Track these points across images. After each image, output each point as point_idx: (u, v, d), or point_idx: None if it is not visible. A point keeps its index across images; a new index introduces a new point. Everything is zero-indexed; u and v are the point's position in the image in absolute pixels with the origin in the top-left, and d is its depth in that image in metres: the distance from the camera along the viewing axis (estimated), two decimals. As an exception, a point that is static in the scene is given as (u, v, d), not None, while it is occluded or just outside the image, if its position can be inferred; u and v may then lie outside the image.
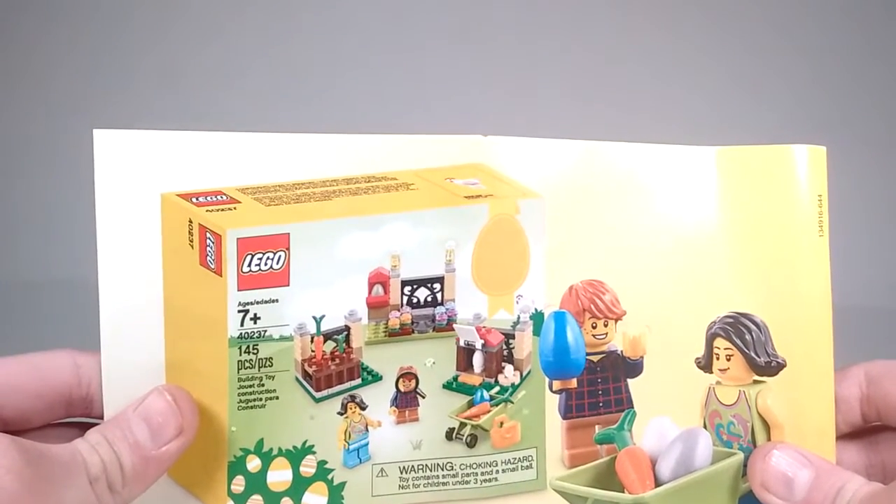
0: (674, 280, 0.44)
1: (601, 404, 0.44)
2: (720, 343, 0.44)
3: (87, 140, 0.38)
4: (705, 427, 0.45)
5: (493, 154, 0.42)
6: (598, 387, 0.44)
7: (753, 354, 0.44)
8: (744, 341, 0.44)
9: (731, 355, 0.44)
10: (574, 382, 0.44)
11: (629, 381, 0.45)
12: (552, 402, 0.44)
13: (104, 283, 0.38)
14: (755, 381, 0.45)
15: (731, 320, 0.44)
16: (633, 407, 0.44)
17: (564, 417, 0.44)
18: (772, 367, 0.44)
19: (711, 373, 0.45)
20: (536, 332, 0.43)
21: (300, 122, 0.43)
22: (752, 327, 0.44)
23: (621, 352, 0.44)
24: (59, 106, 0.60)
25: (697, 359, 0.45)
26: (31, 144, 0.60)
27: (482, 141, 0.42)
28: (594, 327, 0.44)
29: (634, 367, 0.44)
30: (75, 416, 0.41)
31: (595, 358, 0.44)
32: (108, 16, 0.62)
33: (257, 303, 0.38)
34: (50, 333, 0.44)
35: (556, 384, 0.44)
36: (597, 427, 0.44)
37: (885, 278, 0.53)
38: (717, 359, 0.45)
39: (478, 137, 0.42)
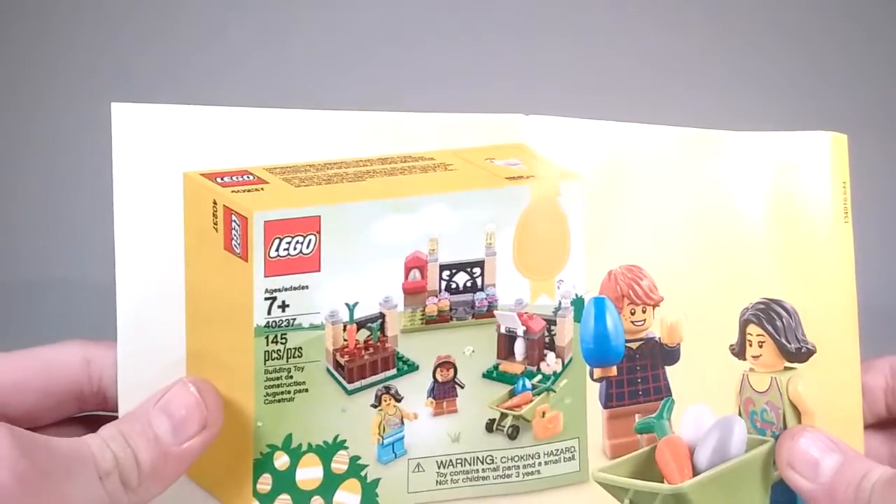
0: (708, 266, 0.44)
1: (640, 392, 0.43)
2: (753, 329, 0.44)
3: (104, 118, 0.35)
4: (740, 414, 0.44)
5: (533, 134, 0.41)
6: (637, 374, 0.43)
7: (784, 340, 0.44)
8: (775, 327, 0.44)
9: (763, 342, 0.44)
10: (614, 370, 0.43)
11: (667, 368, 0.43)
12: (593, 390, 0.42)
13: (122, 269, 0.35)
14: (786, 368, 0.44)
15: (762, 306, 0.44)
16: (671, 395, 0.43)
17: (605, 406, 0.42)
18: (802, 353, 0.44)
19: (745, 359, 0.44)
20: (577, 318, 0.42)
21: (332, 99, 0.40)
22: (783, 313, 0.44)
23: (659, 339, 0.43)
24: (74, 81, 0.56)
25: (732, 346, 0.44)
26: (41, 128, 0.55)
27: (523, 120, 0.41)
28: (633, 314, 0.43)
29: (672, 355, 0.43)
30: (88, 411, 0.37)
31: (634, 345, 0.43)
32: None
33: (286, 289, 0.36)
34: (59, 327, 0.40)
35: (597, 372, 0.42)
36: (637, 416, 0.43)
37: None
38: (751, 345, 0.44)
39: (519, 116, 0.41)
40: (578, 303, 0.42)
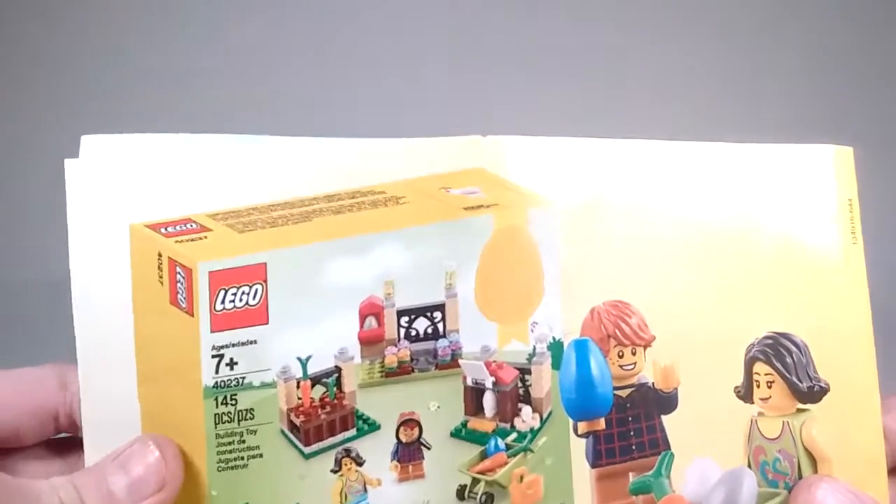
0: (706, 299, 0.38)
1: (634, 447, 0.37)
2: (760, 368, 0.39)
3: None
4: (750, 466, 0.38)
5: (494, 157, 0.36)
6: (630, 426, 0.37)
7: (795, 379, 0.38)
8: (784, 364, 0.38)
9: (773, 381, 0.38)
10: (602, 423, 0.37)
11: (663, 417, 0.38)
12: (578, 448, 0.37)
13: (79, 323, 0.34)
14: (799, 410, 0.39)
15: (770, 342, 0.39)
16: (669, 448, 0.37)
17: (593, 466, 0.37)
18: (815, 393, 0.38)
19: (752, 402, 0.39)
20: (556, 365, 0.36)
21: (277, 126, 0.36)
22: (793, 348, 0.39)
23: (652, 384, 0.38)
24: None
25: (737, 388, 0.38)
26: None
27: (481, 142, 0.36)
28: (621, 356, 0.37)
29: (668, 402, 0.38)
30: (64, 432, 0.37)
31: (623, 393, 0.37)
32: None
33: (233, 345, 0.33)
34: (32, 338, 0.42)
35: (582, 426, 0.37)
36: (631, 475, 0.37)
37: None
38: (758, 386, 0.39)
39: (475, 138, 0.36)
40: (556, 347, 0.36)
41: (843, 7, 0.56)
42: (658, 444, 0.38)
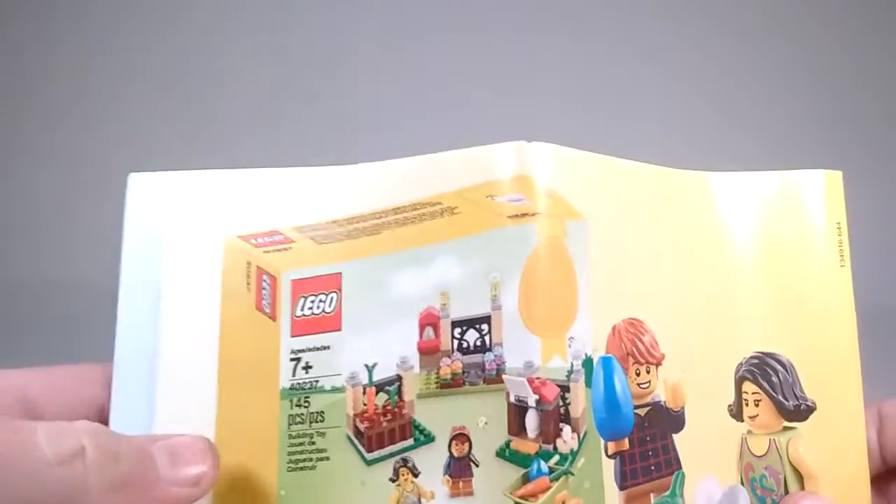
0: (702, 318, 0.39)
1: (653, 467, 0.37)
2: (748, 387, 0.40)
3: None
4: (742, 483, 0.39)
5: (538, 165, 0.35)
6: (648, 446, 0.37)
7: (781, 398, 0.40)
8: (770, 384, 0.40)
9: (760, 400, 0.40)
10: (626, 443, 0.36)
11: (674, 436, 0.38)
12: (608, 468, 0.35)
13: (165, 334, 0.35)
14: (785, 428, 0.40)
15: (756, 361, 0.40)
16: (681, 467, 0.37)
17: (622, 488, 0.36)
18: (801, 411, 0.40)
19: (742, 421, 0.40)
20: (588, 382, 0.35)
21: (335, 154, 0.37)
22: (779, 368, 0.40)
23: (664, 402, 0.37)
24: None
25: (730, 406, 0.39)
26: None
27: (526, 148, 0.34)
28: (638, 374, 0.37)
29: (678, 420, 0.38)
30: None
31: (642, 412, 0.37)
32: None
33: (309, 350, 0.35)
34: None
35: (611, 446, 0.36)
36: (652, 496, 0.36)
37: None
38: (747, 405, 0.40)
39: (521, 144, 0.34)
40: (588, 364, 0.35)
41: (832, 30, 0.61)
42: (672, 464, 0.37)
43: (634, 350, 0.37)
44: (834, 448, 0.39)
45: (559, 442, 0.34)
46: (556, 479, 0.34)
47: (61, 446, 0.29)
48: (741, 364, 0.40)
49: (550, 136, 0.36)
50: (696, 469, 0.38)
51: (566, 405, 0.34)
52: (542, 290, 0.34)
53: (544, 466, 0.34)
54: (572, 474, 0.34)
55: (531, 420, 0.34)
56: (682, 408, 0.38)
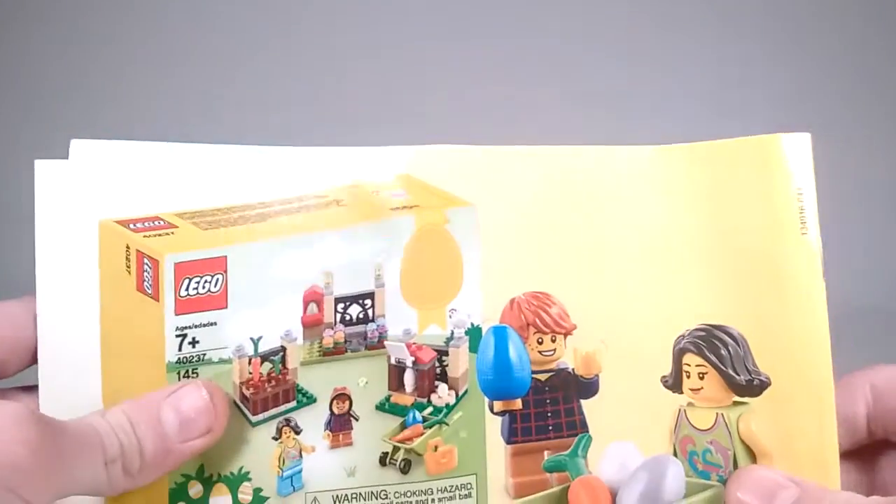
0: (634, 290, 0.39)
1: (551, 427, 0.40)
2: (690, 359, 0.39)
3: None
4: (675, 455, 0.39)
5: (421, 165, 0.39)
6: (547, 408, 0.40)
7: (732, 372, 0.38)
8: (719, 357, 0.38)
9: (705, 373, 0.38)
10: (518, 403, 0.40)
11: (583, 402, 0.40)
12: (495, 424, 0.40)
13: (42, 312, 0.37)
14: (735, 403, 0.38)
15: (702, 333, 0.39)
16: (587, 431, 0.39)
17: (508, 442, 0.40)
18: (754, 386, 0.38)
19: (681, 393, 0.39)
20: (473, 348, 0.39)
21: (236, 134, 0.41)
22: (729, 341, 0.38)
23: (572, 370, 0.39)
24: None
25: (664, 377, 0.39)
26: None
27: (407, 151, 0.39)
28: (540, 343, 0.39)
29: (588, 387, 0.39)
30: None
31: (543, 377, 0.40)
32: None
33: (195, 326, 0.38)
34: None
35: (498, 405, 0.40)
36: (546, 453, 0.40)
37: (884, 277, 0.44)
38: (688, 377, 0.39)
39: (403, 148, 0.39)
40: (475, 332, 0.39)
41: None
42: (576, 427, 0.40)
43: (537, 320, 0.39)
44: (792, 424, 0.37)
45: (434, 397, 0.40)
46: (430, 426, 0.40)
47: (113, 448, 0.33)
48: (682, 336, 0.39)
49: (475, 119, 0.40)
50: (611, 435, 0.40)
51: (443, 366, 0.40)
52: (420, 271, 0.39)
53: (418, 416, 0.40)
54: (446, 424, 0.40)
55: (408, 377, 0.40)
56: (596, 376, 0.40)
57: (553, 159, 0.39)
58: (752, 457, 0.38)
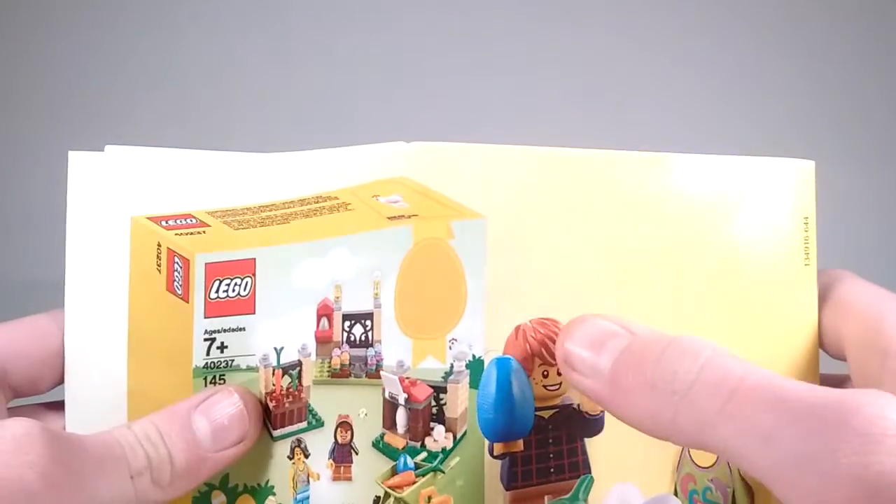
0: (639, 319, 0.36)
1: (552, 470, 0.36)
2: (695, 394, 0.37)
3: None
4: (676, 494, 0.37)
5: (419, 165, 0.34)
6: (549, 449, 0.36)
7: (734, 407, 0.37)
8: (723, 392, 0.36)
9: (708, 408, 0.37)
10: (520, 444, 0.36)
11: (586, 440, 0.37)
12: (494, 468, 0.36)
13: (70, 309, 0.35)
14: (736, 440, 0.37)
15: (707, 367, 0.37)
16: (590, 471, 0.36)
17: (508, 488, 0.36)
18: None
19: (684, 429, 0.37)
20: (474, 384, 0.35)
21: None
22: (733, 375, 0.37)
23: (578, 406, 0.36)
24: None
25: (668, 413, 0.37)
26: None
27: (405, 149, 0.34)
28: (545, 376, 0.36)
29: (593, 425, 0.37)
30: None
31: (546, 413, 0.36)
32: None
33: (224, 331, 0.35)
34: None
35: (498, 447, 0.36)
36: (546, 498, 0.36)
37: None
38: (692, 413, 0.37)
39: (399, 145, 0.34)
40: (476, 365, 0.35)
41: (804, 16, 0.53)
42: (578, 468, 0.37)
43: (543, 351, 0.36)
44: None
45: (429, 440, 0.35)
46: (423, 474, 0.35)
47: (138, 461, 0.31)
48: (687, 369, 0.37)
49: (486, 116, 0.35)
50: (614, 475, 0.37)
51: (440, 405, 0.35)
52: (415, 294, 0.34)
53: (410, 462, 0.35)
54: (442, 472, 0.35)
55: (400, 417, 0.35)
56: (602, 413, 0.37)
57: (567, 164, 0.36)
58: (751, 494, 0.37)
